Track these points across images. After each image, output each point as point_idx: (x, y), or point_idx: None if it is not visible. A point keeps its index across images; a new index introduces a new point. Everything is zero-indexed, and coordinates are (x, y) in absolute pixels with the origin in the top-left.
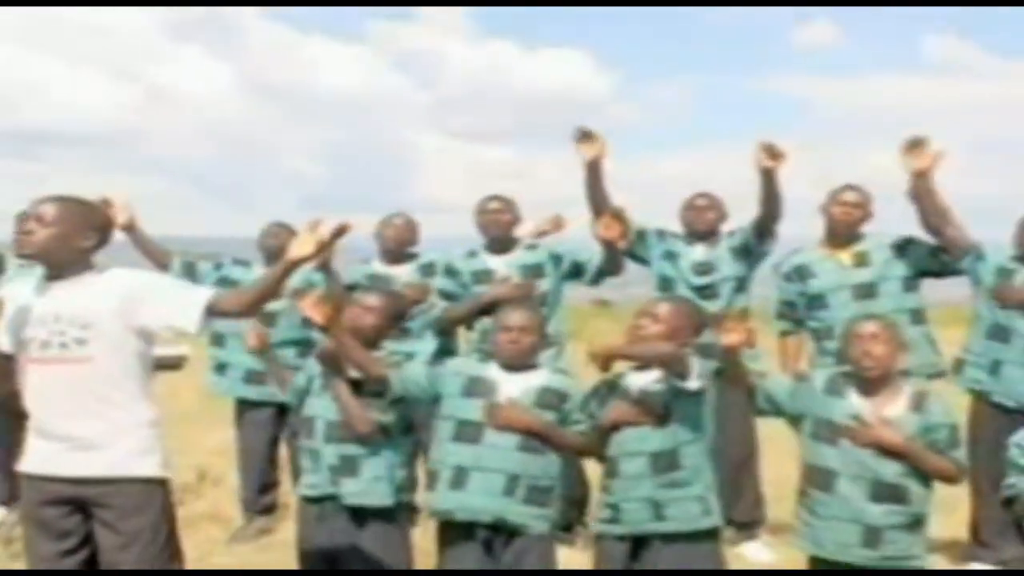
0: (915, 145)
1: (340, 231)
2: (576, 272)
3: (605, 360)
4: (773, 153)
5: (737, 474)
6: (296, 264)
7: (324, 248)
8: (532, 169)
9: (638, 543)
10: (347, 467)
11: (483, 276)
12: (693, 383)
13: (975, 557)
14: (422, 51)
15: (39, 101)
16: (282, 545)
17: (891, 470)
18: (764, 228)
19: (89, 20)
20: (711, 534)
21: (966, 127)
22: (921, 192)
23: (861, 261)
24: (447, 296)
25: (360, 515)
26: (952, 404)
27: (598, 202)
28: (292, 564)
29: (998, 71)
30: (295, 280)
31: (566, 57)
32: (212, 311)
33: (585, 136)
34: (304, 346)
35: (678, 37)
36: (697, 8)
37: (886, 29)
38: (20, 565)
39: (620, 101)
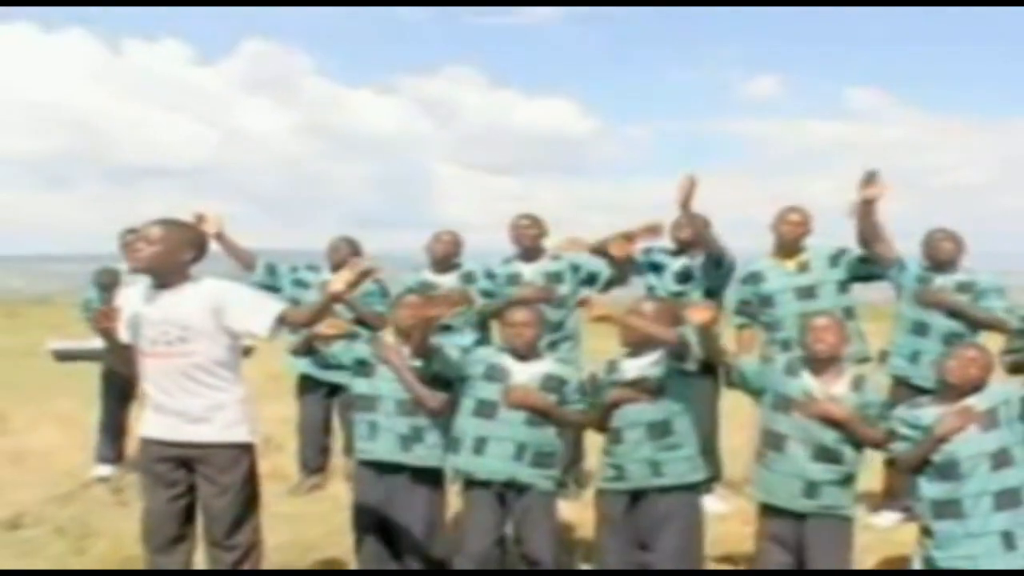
0: (871, 178)
1: (367, 273)
2: (590, 280)
3: (601, 318)
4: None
5: (702, 443)
6: (335, 298)
7: (355, 285)
8: (530, 193)
9: (636, 496)
10: (416, 435)
11: (514, 279)
12: (691, 364)
13: (885, 506)
14: (443, 99)
15: (137, 141)
16: (330, 498)
17: (830, 436)
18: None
19: (180, 75)
20: (696, 486)
21: (880, 162)
22: (864, 215)
23: (804, 268)
24: (486, 295)
25: (417, 475)
26: (880, 387)
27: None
28: (339, 515)
29: (904, 117)
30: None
31: (557, 104)
32: (281, 321)
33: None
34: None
35: (646, 89)
36: (661, 66)
37: (817, 82)
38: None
39: (600, 140)
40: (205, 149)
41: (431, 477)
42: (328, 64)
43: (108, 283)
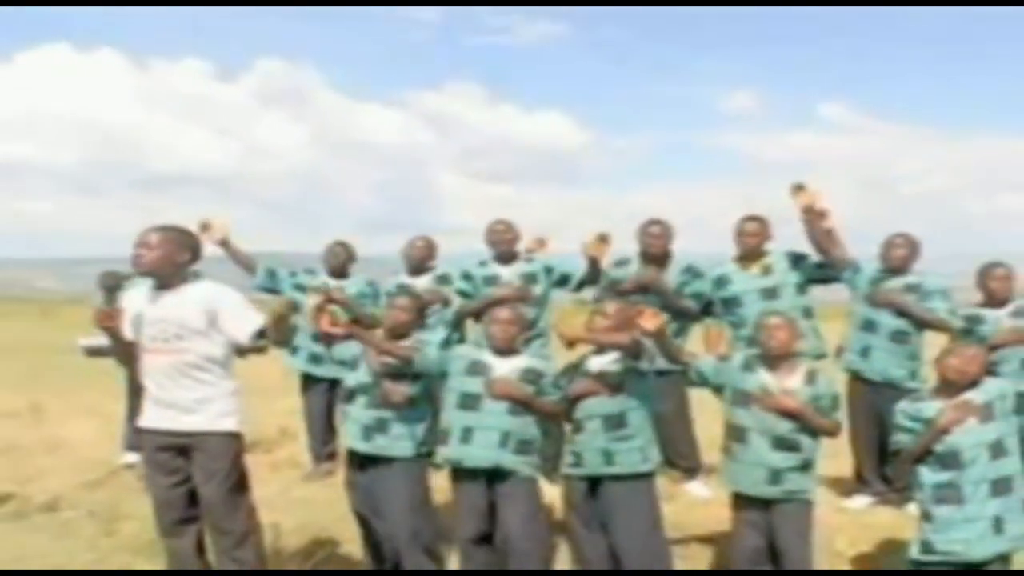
0: (798, 189)
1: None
2: (563, 281)
3: (572, 342)
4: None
5: (675, 433)
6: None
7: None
8: (526, 201)
9: (594, 482)
10: (379, 427)
11: (491, 280)
12: (644, 365)
13: (856, 491)
14: (446, 113)
15: (164, 152)
16: (337, 484)
17: (787, 427)
18: None
19: (201, 90)
20: (648, 476)
21: (851, 171)
22: (808, 222)
23: (766, 271)
24: (464, 295)
25: (387, 462)
26: (834, 379)
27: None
28: (345, 500)
29: (873, 128)
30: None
31: (552, 118)
32: (259, 335)
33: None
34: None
35: (635, 105)
36: (648, 83)
37: (791, 97)
38: (64, 543)
39: (592, 152)
40: (225, 159)
41: (406, 463)
42: (338, 80)
43: (111, 285)
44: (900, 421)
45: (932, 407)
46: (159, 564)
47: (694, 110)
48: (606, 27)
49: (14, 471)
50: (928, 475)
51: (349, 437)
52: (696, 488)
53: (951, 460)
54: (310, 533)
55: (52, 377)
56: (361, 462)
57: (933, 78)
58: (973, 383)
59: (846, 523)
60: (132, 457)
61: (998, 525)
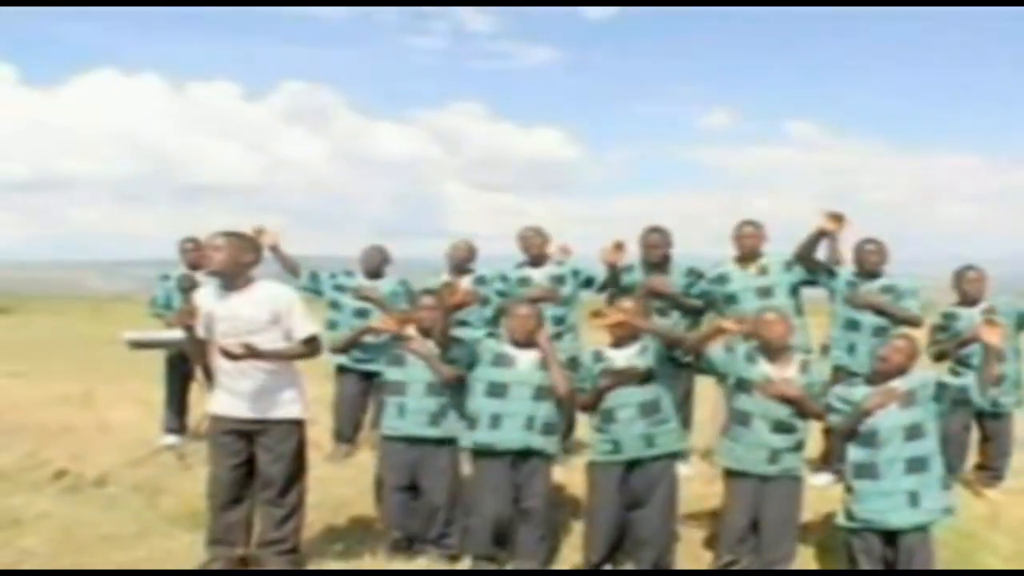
0: (837, 219)
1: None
2: (588, 283)
3: (625, 325)
4: (835, 218)
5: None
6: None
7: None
8: (525, 209)
9: (631, 465)
10: (442, 412)
11: (525, 282)
12: (679, 353)
13: (821, 469)
14: (452, 130)
15: (199, 164)
16: (359, 464)
17: (785, 412)
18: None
19: (232, 109)
20: (679, 454)
21: (815, 183)
22: (812, 243)
23: (762, 271)
24: (501, 294)
25: (440, 444)
26: (822, 370)
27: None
28: (366, 478)
29: (835, 144)
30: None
31: (548, 133)
32: (309, 341)
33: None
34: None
35: (624, 122)
36: (635, 102)
37: (761, 115)
38: (111, 515)
39: (585, 164)
40: (253, 171)
41: (453, 444)
42: (355, 100)
43: (188, 287)
44: (832, 403)
45: (860, 392)
46: (197, 534)
47: (674, 127)
48: (596, 52)
49: (68, 450)
50: (852, 452)
51: (405, 425)
52: (680, 468)
53: (870, 439)
54: (330, 509)
55: (101, 367)
56: (412, 444)
57: (890, 99)
58: (900, 372)
59: (810, 498)
60: (171, 439)
61: (914, 499)
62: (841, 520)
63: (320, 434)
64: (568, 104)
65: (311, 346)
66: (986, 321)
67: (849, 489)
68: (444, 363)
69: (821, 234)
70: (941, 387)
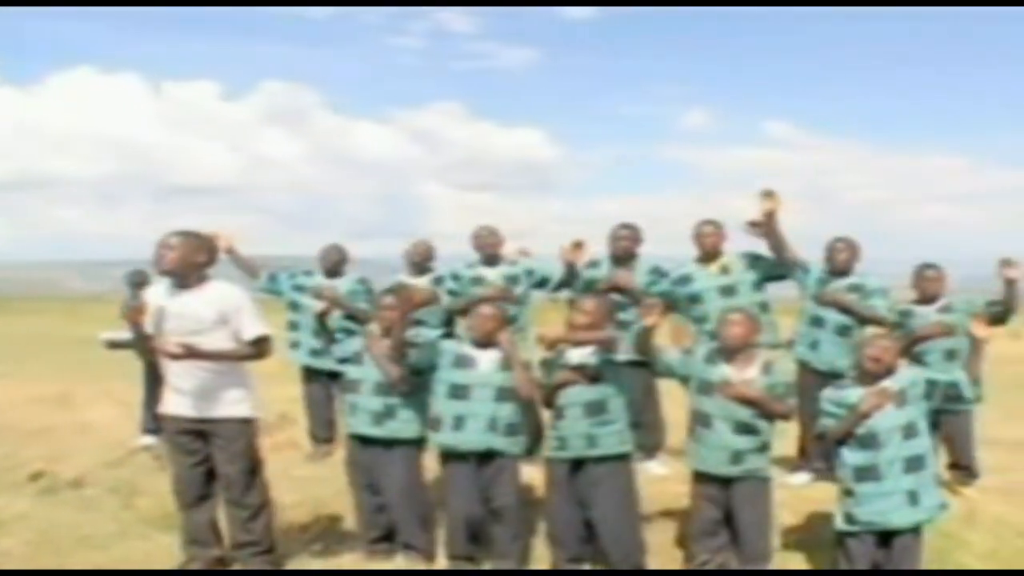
0: (768, 195)
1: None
2: (543, 283)
3: (553, 344)
4: (767, 195)
5: (641, 417)
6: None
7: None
8: (503, 209)
9: (576, 464)
10: (388, 412)
11: (477, 281)
12: (620, 356)
13: (799, 468)
14: (431, 129)
15: (179, 164)
16: (337, 464)
17: (747, 413)
18: None
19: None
20: (626, 456)
21: (793, 183)
22: (768, 228)
23: (725, 270)
24: (453, 294)
25: (391, 444)
26: (788, 369)
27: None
28: (343, 478)
29: (813, 144)
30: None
31: (527, 134)
32: (258, 342)
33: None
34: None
35: (602, 122)
36: (614, 102)
37: (739, 116)
38: (88, 516)
39: (563, 164)
40: (232, 171)
41: (405, 445)
42: (333, 100)
43: (139, 282)
44: (825, 407)
45: (854, 394)
46: (174, 536)
47: (653, 127)
48: (575, 53)
49: (45, 451)
50: (849, 455)
51: (355, 423)
52: (655, 467)
53: (870, 441)
54: (309, 508)
55: (79, 367)
56: (365, 444)
57: (868, 99)
58: (888, 372)
59: (789, 497)
60: (149, 440)
61: (913, 498)
62: (840, 524)
63: (300, 434)
64: (548, 104)
65: (259, 347)
66: (976, 317)
67: (848, 492)
68: (401, 364)
69: (768, 216)
70: (931, 384)
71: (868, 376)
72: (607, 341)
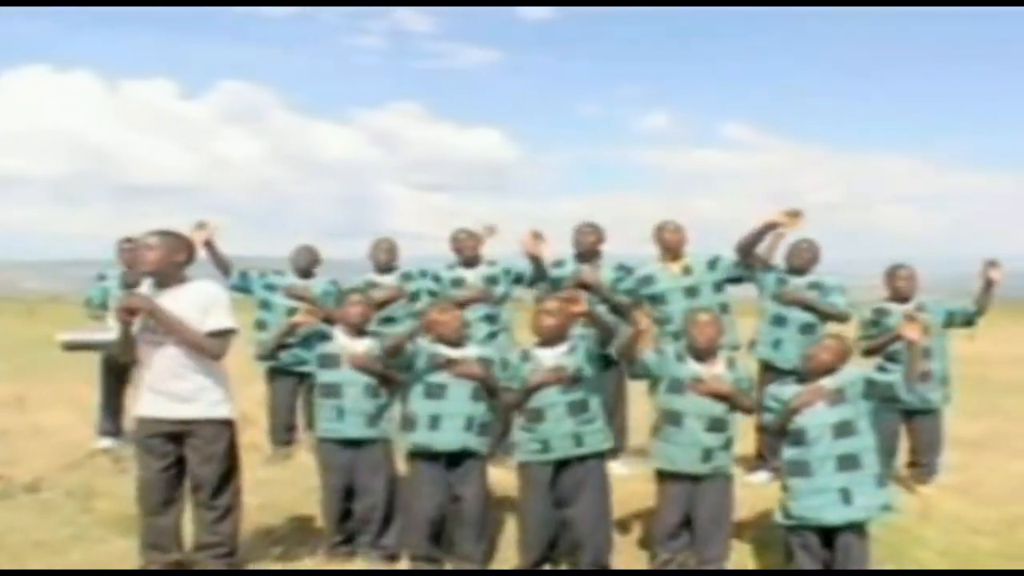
0: (794, 215)
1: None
2: (518, 279)
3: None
4: (793, 215)
5: (610, 418)
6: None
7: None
8: (463, 209)
9: (560, 464)
10: (379, 414)
11: (458, 283)
12: (612, 350)
13: (758, 467)
14: (390, 130)
15: (135, 163)
16: (299, 466)
17: (718, 409)
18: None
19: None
20: (606, 453)
21: (750, 184)
22: (759, 236)
23: (687, 271)
24: (433, 295)
25: (377, 445)
26: (748, 367)
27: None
28: (304, 480)
29: (770, 146)
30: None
31: (486, 134)
32: (217, 335)
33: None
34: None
35: (561, 123)
36: (573, 103)
37: (699, 118)
38: (44, 520)
39: (522, 164)
40: (190, 171)
41: (386, 444)
42: (292, 100)
43: (131, 284)
44: (766, 402)
45: (790, 391)
46: (132, 539)
47: (612, 129)
48: (534, 54)
49: (0, 454)
50: (785, 451)
51: (342, 427)
52: (617, 467)
53: (800, 437)
54: (273, 510)
55: (35, 369)
56: (347, 446)
57: (824, 100)
58: (829, 370)
59: (748, 496)
60: (106, 442)
61: (846, 496)
62: (778, 518)
63: (260, 436)
64: (507, 105)
65: (215, 340)
66: (907, 318)
67: (785, 487)
68: (388, 368)
69: (770, 227)
70: (870, 384)
71: (807, 373)
72: (604, 324)
